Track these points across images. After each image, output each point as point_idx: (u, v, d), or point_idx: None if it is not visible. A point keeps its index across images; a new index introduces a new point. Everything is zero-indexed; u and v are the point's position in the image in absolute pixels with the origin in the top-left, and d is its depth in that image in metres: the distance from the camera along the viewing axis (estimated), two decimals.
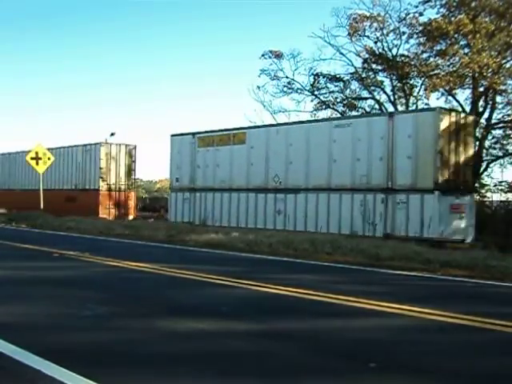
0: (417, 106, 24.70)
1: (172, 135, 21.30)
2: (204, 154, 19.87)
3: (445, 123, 15.04)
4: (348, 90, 26.67)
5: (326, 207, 16.32)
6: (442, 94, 24.74)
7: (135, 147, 28.01)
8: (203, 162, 19.88)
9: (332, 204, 16.22)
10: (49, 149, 27.44)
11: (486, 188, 23.11)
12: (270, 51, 26.54)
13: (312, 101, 26.92)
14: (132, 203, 27.51)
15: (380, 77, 25.92)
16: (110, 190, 26.59)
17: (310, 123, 18.60)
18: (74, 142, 29.18)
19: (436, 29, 22.05)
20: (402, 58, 24.66)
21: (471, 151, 16.27)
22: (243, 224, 18.26)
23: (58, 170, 28.54)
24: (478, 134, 23.30)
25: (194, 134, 20.54)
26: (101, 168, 26.34)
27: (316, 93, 26.58)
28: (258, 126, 20.68)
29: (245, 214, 18.44)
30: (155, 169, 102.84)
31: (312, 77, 26.36)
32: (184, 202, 20.26)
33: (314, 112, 26.78)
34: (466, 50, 22.71)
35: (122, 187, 26.99)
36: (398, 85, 25.29)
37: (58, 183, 28.64)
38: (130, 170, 27.40)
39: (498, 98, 23.26)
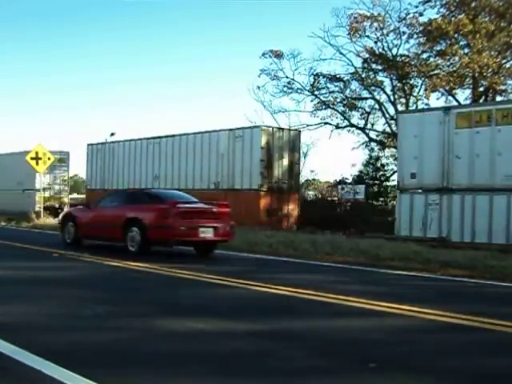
0: (417, 106, 24.76)
1: (400, 112, 16.26)
2: (469, 138, 13.72)
3: None
4: (348, 90, 26.75)
5: None
6: (442, 94, 24.83)
7: (300, 133, 21.49)
8: (467, 149, 13.75)
9: None
10: (169, 135, 22.41)
11: None
12: (271, 51, 26.60)
13: (312, 101, 27.00)
14: (295, 209, 20.77)
15: (380, 77, 26.00)
16: (271, 190, 19.84)
17: None
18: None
19: (436, 29, 22.08)
20: (402, 58, 24.70)
21: None
22: None
23: (185, 165, 21.73)
24: None
25: (446, 108, 15.11)
26: (261, 160, 19.47)
27: (316, 93, 26.62)
28: None
29: None
30: None
31: (312, 77, 26.44)
32: (428, 208, 14.16)
33: (314, 112, 26.85)
34: (466, 50, 22.75)
35: (285, 187, 20.25)
36: (398, 85, 25.33)
37: (186, 181, 21.64)
38: (292, 164, 20.61)
39: (498, 98, 23.30)
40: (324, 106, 26.89)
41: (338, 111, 26.76)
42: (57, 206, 27.99)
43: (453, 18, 22.31)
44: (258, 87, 27.66)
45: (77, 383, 3.54)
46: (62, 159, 29.37)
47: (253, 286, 7.53)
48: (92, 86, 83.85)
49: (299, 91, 26.84)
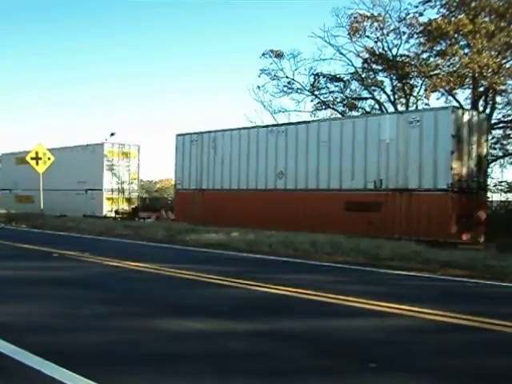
0: (417, 106, 24.75)
1: None
2: None
3: None
4: (348, 90, 26.71)
5: None
6: (442, 94, 24.78)
7: (487, 118, 17.16)
8: None
9: None
10: (301, 122, 18.46)
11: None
12: (271, 51, 26.57)
13: (312, 101, 26.96)
14: (484, 216, 16.11)
15: (380, 77, 25.95)
16: (461, 190, 15.27)
17: None
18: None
19: (436, 29, 22.06)
20: (402, 58, 24.68)
21: None
22: None
23: (326, 159, 16.94)
24: None
25: None
26: (452, 152, 15.00)
27: (316, 93, 26.60)
28: None
29: None
30: (157, 168, 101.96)
31: (312, 77, 26.41)
32: None
33: (314, 112, 26.84)
34: (466, 50, 22.72)
35: (474, 186, 15.84)
36: (398, 85, 25.31)
37: (327, 180, 16.94)
38: (480, 157, 16.11)
39: (498, 98, 23.33)
40: (324, 106, 26.86)
41: (338, 111, 26.72)
42: (130, 209, 24.57)
43: (453, 18, 22.28)
44: (258, 87, 27.63)
45: (77, 383, 3.54)
46: (132, 153, 25.94)
47: (253, 286, 7.53)
48: (92, 84, 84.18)
49: (299, 91, 26.82)
